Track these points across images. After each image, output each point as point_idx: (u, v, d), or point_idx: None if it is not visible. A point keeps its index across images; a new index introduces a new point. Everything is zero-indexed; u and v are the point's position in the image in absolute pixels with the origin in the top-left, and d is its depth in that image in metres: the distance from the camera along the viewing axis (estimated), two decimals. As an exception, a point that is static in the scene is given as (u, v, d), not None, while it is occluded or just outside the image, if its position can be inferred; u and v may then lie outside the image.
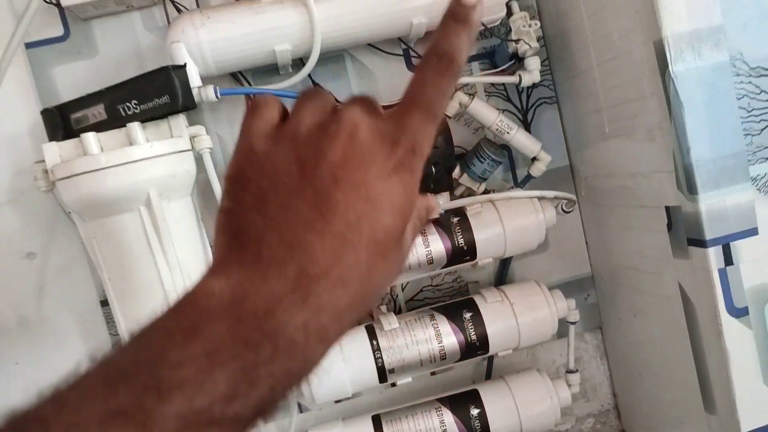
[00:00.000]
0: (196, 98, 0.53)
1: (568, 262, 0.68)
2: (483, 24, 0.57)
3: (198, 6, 0.59)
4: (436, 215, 0.28)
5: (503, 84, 0.63)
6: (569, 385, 0.62)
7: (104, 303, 0.61)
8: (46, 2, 0.56)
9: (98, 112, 0.53)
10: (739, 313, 0.48)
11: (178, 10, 0.58)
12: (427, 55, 0.24)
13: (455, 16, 0.24)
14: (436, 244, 0.57)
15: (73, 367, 0.20)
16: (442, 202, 0.57)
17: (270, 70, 0.60)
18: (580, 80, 0.61)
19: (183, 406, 0.19)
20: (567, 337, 0.64)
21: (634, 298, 0.61)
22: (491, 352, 0.59)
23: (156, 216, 0.50)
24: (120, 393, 0.19)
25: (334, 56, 0.62)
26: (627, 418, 0.70)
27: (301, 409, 0.64)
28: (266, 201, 0.22)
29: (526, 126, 0.65)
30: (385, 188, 0.22)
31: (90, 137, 0.50)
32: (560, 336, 0.66)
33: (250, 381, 0.20)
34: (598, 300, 0.69)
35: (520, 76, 0.59)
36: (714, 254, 0.47)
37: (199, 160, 0.55)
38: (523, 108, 0.65)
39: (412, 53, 0.63)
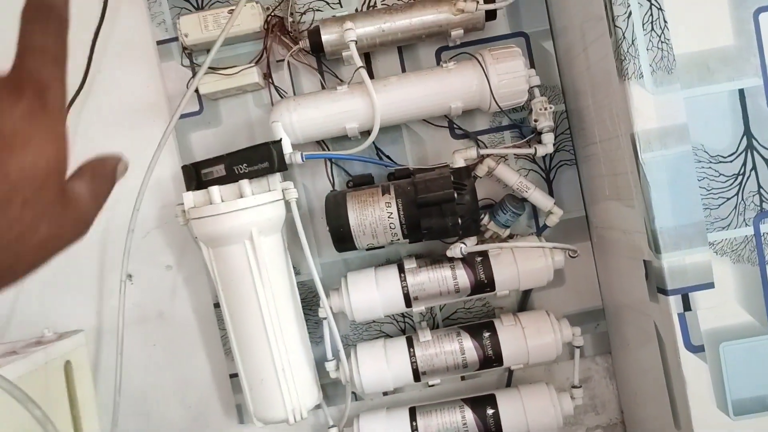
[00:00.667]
0: (288, 161, 0.72)
1: (582, 295, 0.81)
2: (500, 107, 0.72)
3: (294, 91, 0.79)
4: (123, 173, 0.28)
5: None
6: (573, 398, 0.76)
7: (216, 305, 0.82)
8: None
9: (220, 169, 0.74)
10: (696, 349, 0.60)
11: (279, 94, 0.78)
12: (25, 7, 0.25)
13: None
14: (462, 278, 0.73)
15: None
16: (469, 244, 0.72)
17: (344, 137, 0.78)
18: (591, 149, 0.74)
19: None
20: (574, 358, 0.77)
21: (630, 330, 0.74)
22: (504, 365, 0.74)
23: (256, 247, 0.70)
24: None
25: (392, 127, 0.79)
26: (630, 432, 0.82)
27: (356, 397, 0.83)
28: None
29: (549, 183, 0.80)
30: (15, 130, 0.22)
31: (214, 190, 0.70)
32: (572, 357, 0.79)
33: None
34: (608, 329, 0.81)
35: (536, 148, 0.73)
36: (674, 301, 0.60)
37: (287, 204, 0.75)
38: (546, 169, 0.80)
39: (454, 125, 0.79)
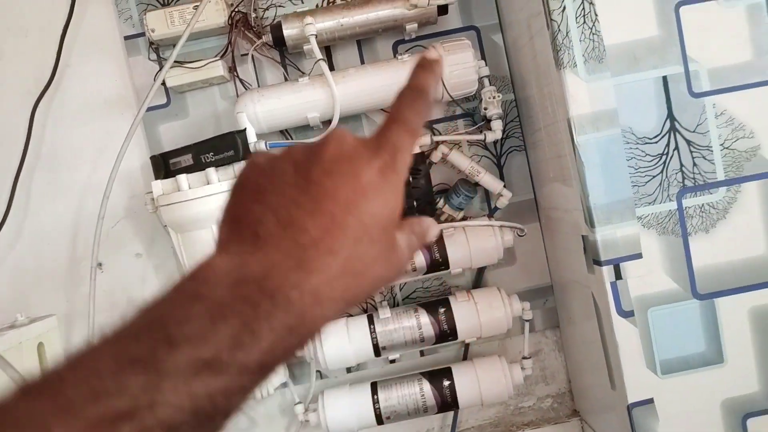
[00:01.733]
0: (252, 150, 0.76)
1: (532, 273, 0.87)
2: (451, 96, 0.77)
3: (258, 83, 0.83)
4: (433, 237, 0.32)
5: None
6: (523, 368, 0.81)
7: (186, 290, 0.85)
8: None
9: (187, 159, 0.78)
10: (627, 314, 0.66)
11: (244, 87, 0.82)
12: (403, 89, 0.30)
13: (423, 65, 0.31)
14: (418, 257, 0.78)
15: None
16: (425, 226, 0.77)
17: (306, 126, 0.82)
18: (537, 135, 0.80)
19: (191, 354, 0.21)
20: (524, 331, 0.83)
21: (575, 304, 0.79)
22: (459, 338, 0.79)
23: (223, 231, 0.74)
24: (132, 346, 0.21)
25: (353, 116, 0.84)
26: (578, 400, 0.88)
27: (321, 375, 0.87)
28: (264, 193, 0.26)
29: (500, 169, 0.85)
30: (371, 181, 0.26)
31: (182, 178, 0.74)
32: (523, 332, 0.85)
33: (251, 333, 0.22)
34: (556, 304, 0.87)
35: (485, 134, 0.79)
36: (607, 271, 0.65)
37: (253, 192, 0.79)
38: (497, 154, 0.85)
39: (410, 114, 0.84)
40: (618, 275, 0.65)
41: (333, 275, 0.24)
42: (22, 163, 0.83)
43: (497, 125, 0.78)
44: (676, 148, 0.66)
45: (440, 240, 0.78)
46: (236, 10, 0.81)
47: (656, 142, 0.65)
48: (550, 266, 0.87)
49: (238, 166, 0.77)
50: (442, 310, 0.79)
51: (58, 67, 0.82)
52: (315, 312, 0.24)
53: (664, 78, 0.65)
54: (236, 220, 0.26)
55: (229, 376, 0.22)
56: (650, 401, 0.66)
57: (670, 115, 0.66)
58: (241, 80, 0.83)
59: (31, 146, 0.83)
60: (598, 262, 0.66)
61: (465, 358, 0.86)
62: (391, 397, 0.79)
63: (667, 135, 0.66)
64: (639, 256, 0.66)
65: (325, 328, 0.25)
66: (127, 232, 0.86)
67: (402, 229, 0.29)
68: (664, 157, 0.66)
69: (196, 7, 0.77)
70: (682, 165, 0.66)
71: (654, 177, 0.66)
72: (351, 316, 0.83)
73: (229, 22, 0.80)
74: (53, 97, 0.84)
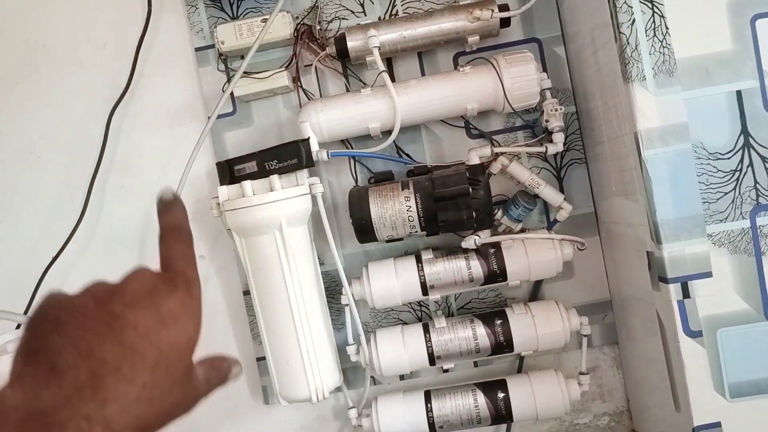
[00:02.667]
0: (315, 159, 0.78)
1: (590, 287, 0.85)
2: (513, 108, 0.77)
3: (320, 94, 0.85)
4: (235, 377, 0.34)
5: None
6: (580, 384, 0.80)
7: (245, 293, 0.88)
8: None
9: (252, 166, 0.80)
10: (694, 335, 0.64)
11: (308, 97, 0.84)
12: (163, 232, 0.35)
13: (163, 210, 0.36)
14: (476, 268, 0.78)
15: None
16: (483, 236, 0.77)
17: (366, 136, 0.84)
18: (600, 148, 0.79)
19: None
20: (581, 346, 0.81)
21: (636, 320, 0.78)
22: (515, 351, 0.78)
23: (285, 237, 0.76)
24: None
25: (412, 127, 0.85)
26: (637, 419, 0.85)
27: (374, 381, 0.88)
28: (63, 324, 0.26)
29: (560, 181, 0.84)
30: (171, 312, 0.28)
31: (247, 184, 0.76)
32: (580, 347, 0.83)
33: None
34: (615, 320, 0.85)
35: (546, 147, 0.78)
36: (674, 289, 0.64)
37: (314, 199, 0.80)
38: (557, 167, 0.84)
39: (470, 125, 0.84)
40: (686, 294, 0.64)
41: (128, 403, 0.26)
42: (97, 168, 0.88)
43: (559, 138, 0.78)
44: (750, 164, 0.64)
45: (498, 251, 0.78)
46: (302, 22, 0.83)
47: (729, 158, 0.64)
48: (609, 281, 0.85)
49: (301, 173, 0.79)
50: (498, 321, 0.78)
51: (133, 77, 0.86)
52: None
53: (738, 92, 0.63)
54: (33, 352, 0.27)
55: None
56: (717, 425, 0.64)
57: (744, 131, 0.64)
58: (304, 90, 0.85)
59: (106, 152, 0.88)
60: (664, 280, 0.65)
61: (519, 371, 0.85)
62: (445, 407, 0.79)
63: (741, 151, 0.64)
64: (709, 274, 0.64)
65: None
66: (193, 234, 0.89)
67: (202, 364, 0.31)
68: (737, 174, 0.64)
69: (264, 21, 0.80)
70: (756, 182, 0.64)
71: (726, 194, 0.64)
72: (406, 324, 0.83)
73: (295, 34, 0.82)
74: (128, 105, 0.88)
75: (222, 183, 0.81)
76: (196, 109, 0.88)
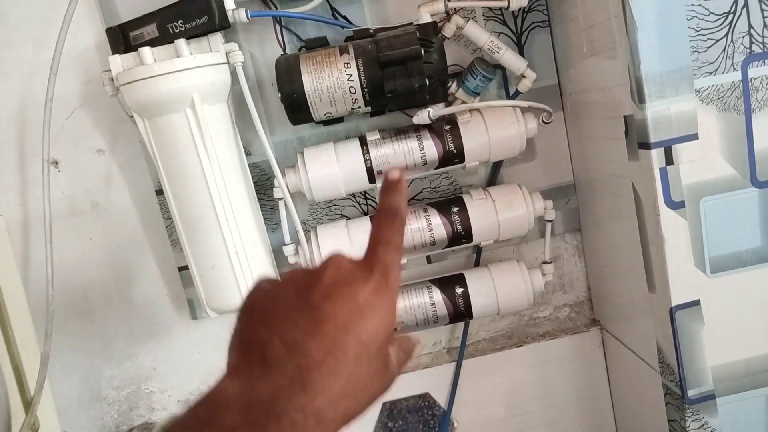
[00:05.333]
0: (231, 19, 0.63)
1: (552, 170, 0.77)
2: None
3: (232, -62, 0.68)
4: (416, 353, 0.34)
5: (500, 8, 0.71)
6: (543, 274, 0.73)
7: (159, 192, 0.74)
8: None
9: (152, 30, 0.64)
10: (676, 206, 0.57)
11: (216, -58, 0.67)
12: (378, 211, 0.33)
13: (389, 187, 0.33)
14: (429, 149, 0.67)
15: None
16: (436, 110, 0.66)
17: (291, -7, 0.69)
18: (566, 4, 0.68)
19: None
20: (545, 234, 0.74)
21: (604, 202, 0.70)
22: (474, 241, 0.70)
23: (199, 116, 0.62)
24: None
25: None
26: (598, 308, 0.81)
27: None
28: (269, 317, 0.28)
29: (520, 48, 0.73)
30: (367, 302, 0.28)
31: (146, 51, 0.61)
32: (542, 236, 0.76)
33: None
34: (578, 205, 0.78)
35: (509, 1, 0.66)
36: (656, 155, 0.56)
37: (233, 73, 0.66)
38: (518, 31, 0.73)
39: (417, -20, 0.71)
40: (669, 160, 0.56)
41: (335, 396, 0.26)
42: (-49, 42, 0.69)
43: (523, -10, 0.66)
44: (745, 5, 0.55)
45: (455, 128, 0.67)
46: None
47: (723, -2, 0.54)
48: (573, 162, 0.77)
49: (214, 38, 0.64)
50: (455, 209, 0.69)
51: None
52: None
53: None
54: (245, 344, 0.28)
55: None
56: (696, 303, 0.58)
57: (742, -35, 0.54)
58: (213, -65, 0.68)
59: (-40, 20, 0.68)
60: (645, 145, 0.56)
61: (477, 264, 0.78)
62: (399, 308, 0.70)
63: (737, -11, 0.54)
64: (695, 136, 0.56)
65: None
66: (86, 124, 0.73)
67: (392, 344, 0.30)
68: (730, 17, 0.55)
69: None
70: (750, 26, 0.55)
71: (717, 41, 0.55)
72: (351, 219, 0.73)
73: None
74: (-19, -42, 0.68)
75: (115, 53, 0.65)
76: (73, -39, 0.69)
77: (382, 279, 0.29)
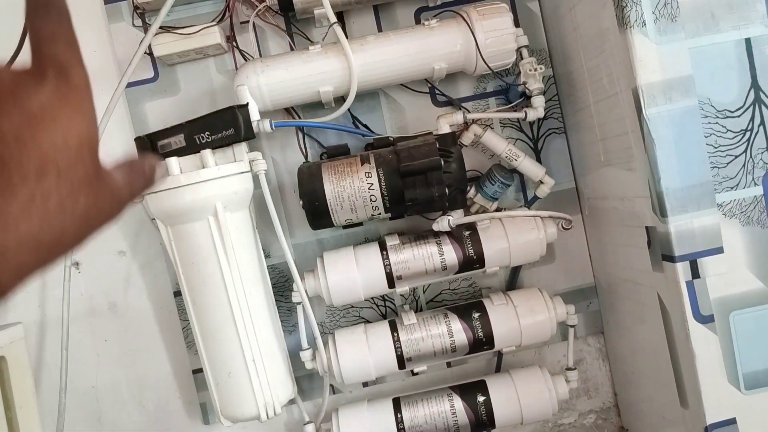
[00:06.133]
0: (255, 129, 0.65)
1: (573, 272, 0.76)
2: (489, 67, 0.67)
3: (260, 54, 0.72)
4: (160, 177, 0.30)
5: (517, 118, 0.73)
6: (567, 381, 0.71)
7: (177, 293, 0.74)
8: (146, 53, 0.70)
9: (179, 140, 0.66)
10: (705, 320, 0.56)
11: (244, 58, 0.71)
12: (27, 6, 0.26)
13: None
14: (449, 254, 0.67)
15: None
16: (456, 217, 0.66)
17: (316, 105, 0.71)
18: (582, 114, 0.70)
19: None
20: (567, 338, 0.72)
21: (627, 306, 0.69)
22: (496, 347, 0.68)
23: (221, 224, 0.63)
24: None
25: (369, 94, 0.73)
26: (626, 416, 0.77)
27: (333, 390, 0.76)
28: None
29: (537, 153, 0.75)
30: (44, 108, 0.24)
31: (173, 161, 0.63)
32: (564, 339, 0.75)
33: None
34: (600, 307, 0.77)
35: (526, 112, 0.68)
36: (682, 269, 0.55)
37: (255, 179, 0.67)
38: (534, 137, 0.75)
39: (436, 91, 0.73)
40: (695, 273, 0.55)
41: (11, 220, 0.22)
42: None
43: (539, 102, 0.68)
44: (762, 122, 0.56)
45: (474, 234, 0.67)
46: (235, -32, 0.70)
47: (739, 116, 0.56)
48: (594, 265, 0.76)
49: (239, 148, 0.65)
50: (476, 314, 0.68)
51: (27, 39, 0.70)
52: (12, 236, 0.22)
53: (747, 40, 0.55)
54: None
55: None
56: (732, 422, 0.56)
57: (755, 84, 0.56)
58: (240, 51, 0.71)
59: None
60: (670, 258, 0.56)
61: (498, 369, 0.76)
62: (417, 416, 0.68)
63: (752, 107, 0.56)
64: (720, 250, 0.55)
65: (18, 285, 0.23)
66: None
67: (120, 167, 0.27)
68: (748, 134, 0.56)
69: (189, -37, 0.66)
70: (768, 143, 0.56)
71: (736, 157, 0.56)
72: (369, 322, 0.72)
73: (227, -18, 0.69)
74: (21, 71, 0.72)
75: (142, 161, 0.66)
76: (108, 74, 0.72)
77: (60, 79, 0.25)
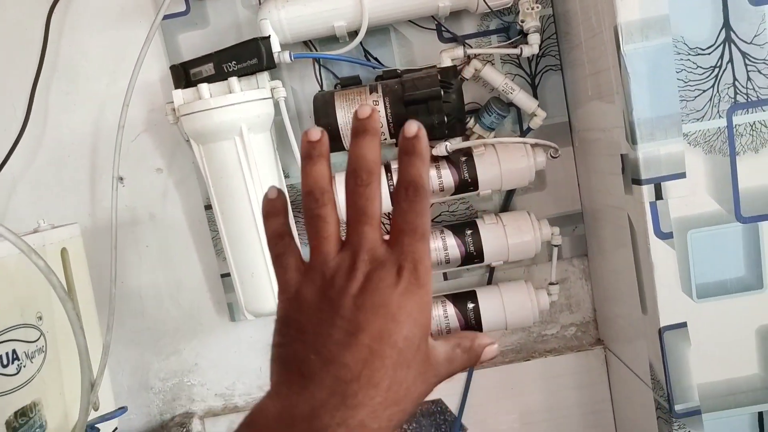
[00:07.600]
0: (276, 60, 0.73)
1: (562, 199, 0.84)
2: (488, 5, 0.73)
3: (281, -10, 0.79)
4: (491, 355, 0.31)
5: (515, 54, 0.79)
6: (549, 294, 0.80)
7: (207, 207, 0.84)
8: (175, -13, 0.78)
9: (209, 68, 0.75)
10: (665, 236, 0.63)
11: (266, -7, 0.78)
12: (397, 188, 0.29)
13: (407, 150, 0.29)
14: (446, 177, 0.75)
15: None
16: (454, 143, 0.74)
17: (332, 39, 0.78)
18: (576, 52, 0.75)
19: None
20: (552, 258, 0.81)
21: (607, 230, 0.77)
22: (486, 262, 0.77)
23: (246, 143, 0.71)
24: None
25: (380, 29, 0.79)
26: (602, 329, 0.87)
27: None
28: (305, 332, 0.27)
29: (534, 89, 0.81)
30: (399, 305, 0.27)
31: (204, 87, 0.71)
32: (550, 259, 0.83)
33: None
34: (585, 232, 0.84)
35: (521, 48, 0.74)
36: (647, 191, 0.62)
37: (276, 105, 0.76)
38: (532, 73, 0.81)
39: (442, 27, 0.80)
40: (658, 195, 0.63)
41: (377, 406, 0.25)
42: (38, 74, 0.80)
43: (534, 39, 0.74)
44: (730, 60, 0.61)
45: (470, 160, 0.75)
46: None
47: (709, 54, 0.61)
48: (581, 192, 0.84)
49: (261, 76, 0.73)
50: (468, 232, 0.77)
51: (73, -28, 0.78)
52: None
53: (723, -18, 0.60)
54: (283, 361, 0.28)
55: None
56: (683, 325, 0.64)
57: (726, 24, 0.61)
58: (264, -13, 0.78)
59: (47, 56, 0.80)
60: (637, 181, 0.63)
61: (489, 282, 0.85)
62: (414, 319, 0.78)
63: (722, 46, 0.61)
64: (682, 175, 0.62)
65: None
66: (148, 146, 0.84)
67: (447, 341, 0.29)
68: (716, 70, 0.61)
69: None
70: (735, 79, 0.62)
71: (704, 92, 0.62)
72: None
73: None
74: (68, 6, 0.80)
75: (177, 87, 0.75)
76: (144, 7, 0.80)
77: (412, 277, 0.27)
